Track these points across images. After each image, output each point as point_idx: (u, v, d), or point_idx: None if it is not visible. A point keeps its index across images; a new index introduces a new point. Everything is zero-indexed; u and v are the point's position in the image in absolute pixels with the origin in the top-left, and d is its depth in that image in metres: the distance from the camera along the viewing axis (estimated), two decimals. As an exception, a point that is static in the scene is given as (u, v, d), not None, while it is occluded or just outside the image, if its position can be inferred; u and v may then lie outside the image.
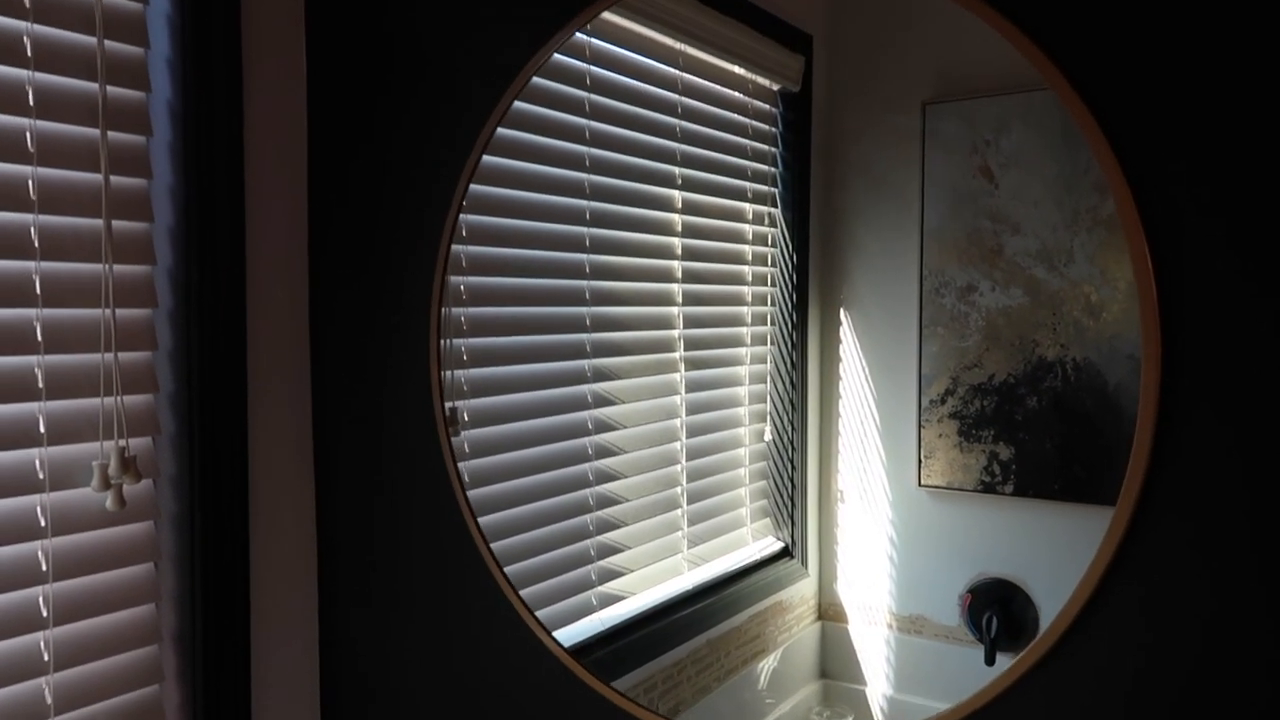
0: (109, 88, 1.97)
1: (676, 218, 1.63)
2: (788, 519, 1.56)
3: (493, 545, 1.87)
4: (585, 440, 1.78)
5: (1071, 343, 1.52)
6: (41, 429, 1.91)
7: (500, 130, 1.81)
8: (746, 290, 1.56)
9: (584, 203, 1.77)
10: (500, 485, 1.87)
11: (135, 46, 2.02)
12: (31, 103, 1.89)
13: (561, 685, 1.87)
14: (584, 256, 1.76)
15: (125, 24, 2.00)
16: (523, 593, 1.86)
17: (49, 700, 1.92)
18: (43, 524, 1.91)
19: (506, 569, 1.86)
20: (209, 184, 2.09)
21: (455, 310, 1.94)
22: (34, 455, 1.92)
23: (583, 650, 1.86)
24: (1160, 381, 1.40)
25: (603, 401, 1.76)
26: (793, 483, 1.55)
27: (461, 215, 1.86)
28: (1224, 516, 1.40)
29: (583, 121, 1.73)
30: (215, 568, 2.11)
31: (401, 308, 2.06)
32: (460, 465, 1.92)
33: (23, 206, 1.89)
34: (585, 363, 1.78)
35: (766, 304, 1.55)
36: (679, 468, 1.66)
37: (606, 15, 1.70)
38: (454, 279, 1.93)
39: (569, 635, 1.89)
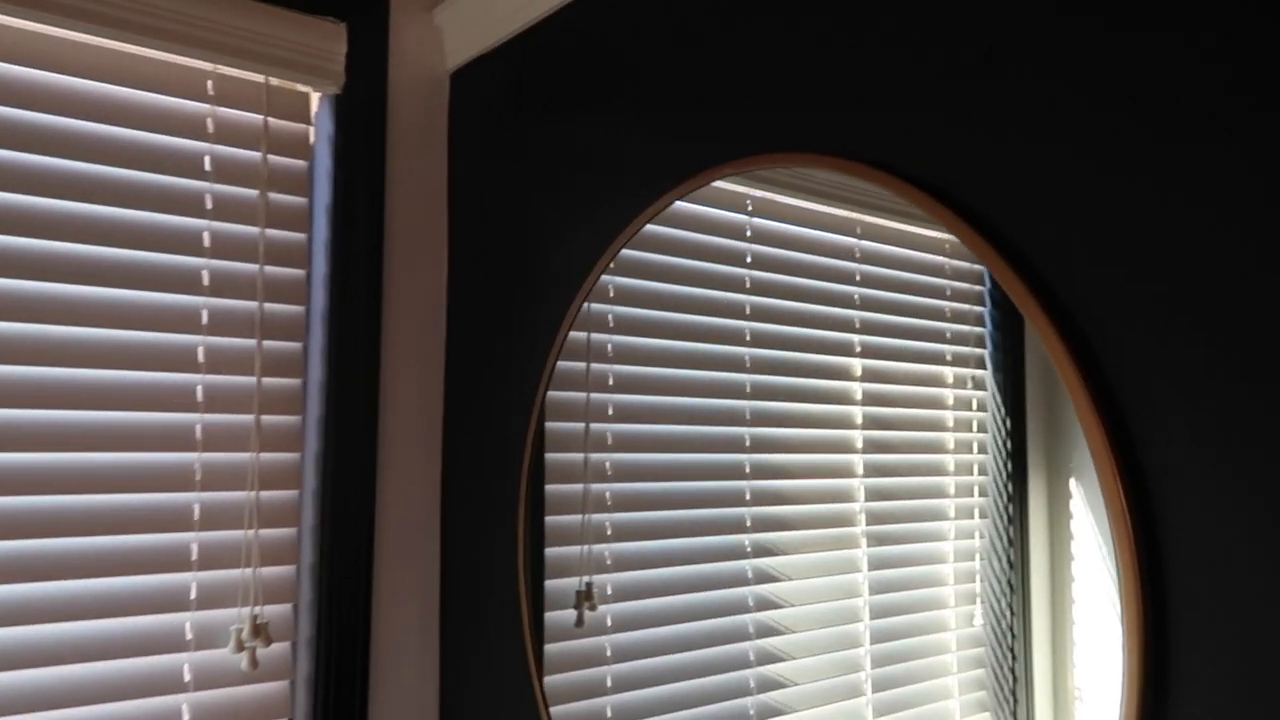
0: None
1: (856, 386, 1.10)
2: (1010, 716, 0.95)
3: None
4: (746, 618, 1.20)
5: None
6: (191, 596, 1.54)
7: (647, 312, 1.29)
8: (949, 459, 1.02)
9: (744, 376, 1.22)
10: (647, 661, 1.29)
11: (297, 269, 1.61)
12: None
13: None
14: (744, 430, 1.22)
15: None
16: None
17: None
18: (186, 679, 1.52)
19: None
20: (351, 351, 1.66)
21: (598, 486, 1.39)
22: (184, 619, 1.52)
23: None
24: None
25: (766, 578, 1.19)
26: (1013, 674, 0.96)
27: (609, 396, 1.34)
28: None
29: (742, 297, 1.23)
30: None
31: (497, 505, 1.54)
32: (604, 639, 1.33)
33: (189, 406, 1.56)
34: (745, 537, 1.21)
35: (974, 473, 0.99)
36: (862, 651, 1.08)
37: (761, 192, 1.20)
38: (598, 456, 1.37)
39: None
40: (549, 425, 1.51)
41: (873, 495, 1.08)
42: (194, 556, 1.53)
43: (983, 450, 0.97)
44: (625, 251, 1.42)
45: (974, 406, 0.99)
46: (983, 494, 0.97)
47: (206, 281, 1.56)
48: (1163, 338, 0.89)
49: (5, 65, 1.44)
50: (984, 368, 0.99)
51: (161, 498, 1.51)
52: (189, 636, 1.51)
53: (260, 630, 1.54)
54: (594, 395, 1.42)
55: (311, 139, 1.67)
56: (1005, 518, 0.95)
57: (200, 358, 1.55)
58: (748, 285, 1.23)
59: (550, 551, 1.47)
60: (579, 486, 1.43)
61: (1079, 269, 0.95)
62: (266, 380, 1.60)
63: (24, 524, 1.41)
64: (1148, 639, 0.88)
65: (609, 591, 1.35)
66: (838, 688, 1.08)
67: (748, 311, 1.23)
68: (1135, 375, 0.91)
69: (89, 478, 1.46)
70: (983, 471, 0.97)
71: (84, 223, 1.48)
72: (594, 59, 1.51)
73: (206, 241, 1.57)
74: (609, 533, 1.37)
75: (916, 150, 1.10)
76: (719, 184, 1.29)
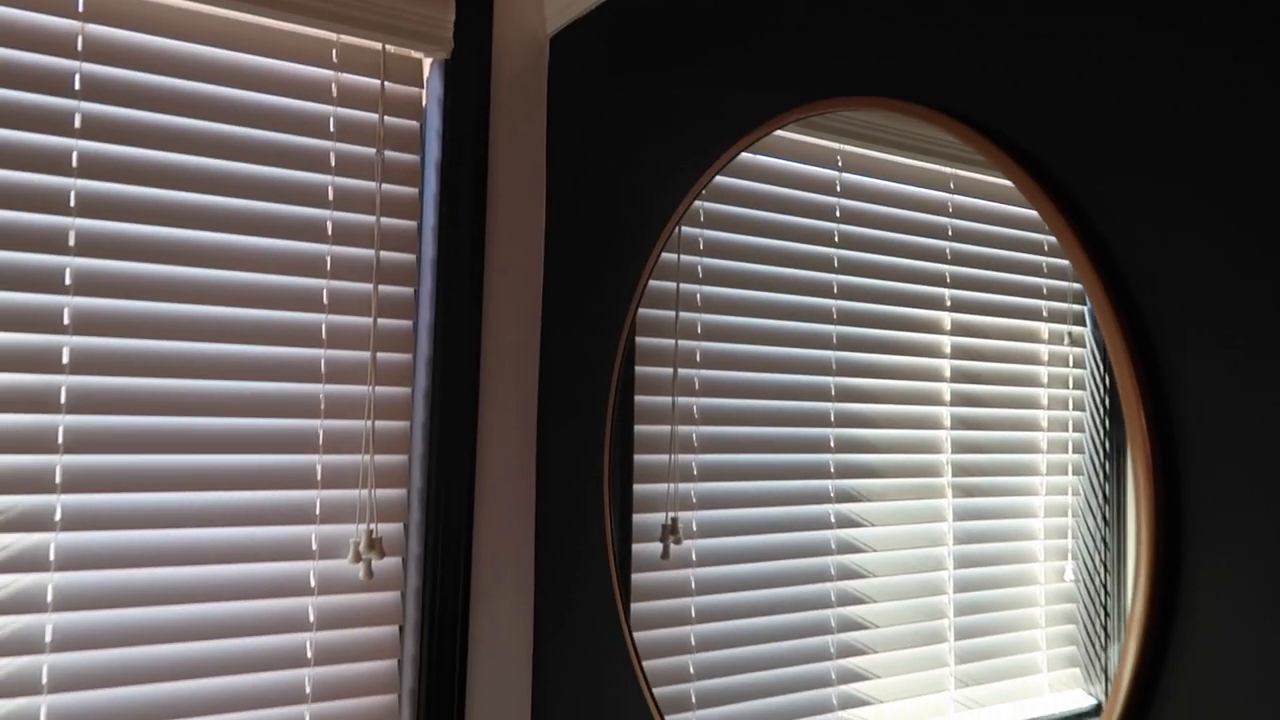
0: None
1: (945, 340, 1.04)
2: (1101, 672, 0.90)
3: (707, 656, 1.25)
4: (828, 560, 1.16)
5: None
6: (316, 512, 1.54)
7: (734, 265, 1.25)
8: (1041, 415, 0.96)
9: (830, 328, 1.17)
10: (729, 595, 1.26)
11: (409, 220, 1.61)
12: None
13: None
14: (829, 379, 1.17)
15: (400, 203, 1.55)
16: (753, 706, 1.21)
17: None
18: (311, 584, 1.53)
19: (728, 678, 1.23)
20: (455, 327, 1.65)
21: (684, 429, 1.35)
22: (308, 533, 1.53)
23: None
24: None
25: (849, 523, 1.14)
26: (1106, 632, 0.90)
27: (697, 343, 1.30)
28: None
29: (830, 250, 1.17)
30: (442, 639, 1.61)
31: (587, 450, 1.51)
32: (689, 572, 1.30)
33: (315, 343, 1.55)
34: (829, 483, 1.17)
35: (1069, 429, 0.94)
36: (945, 599, 1.03)
37: (848, 146, 1.14)
38: (685, 400, 1.34)
39: None
40: (638, 370, 1.48)
41: (960, 448, 1.03)
42: (318, 476, 1.53)
43: (1079, 407, 0.91)
44: (711, 206, 1.37)
45: (1070, 363, 0.93)
46: (1078, 450, 0.91)
47: (330, 231, 1.55)
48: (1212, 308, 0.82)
49: (156, 38, 1.44)
50: (1083, 324, 0.92)
51: (291, 423, 1.52)
52: (314, 547, 1.52)
53: (375, 544, 1.54)
54: (682, 342, 1.39)
55: (423, 101, 1.64)
56: (1102, 474, 0.90)
57: (324, 299, 1.55)
58: (836, 239, 1.18)
59: (638, 488, 1.44)
60: (666, 428, 1.40)
61: (1134, 225, 0.89)
62: (381, 321, 1.59)
63: (186, 442, 1.44)
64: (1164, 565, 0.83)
65: (694, 528, 1.32)
66: (920, 633, 1.04)
67: (836, 265, 1.17)
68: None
69: (235, 404, 1.48)
70: (1078, 428, 0.91)
71: (223, 179, 1.48)
72: (679, 18, 1.46)
73: (330, 195, 1.56)
74: (695, 473, 1.34)
75: (968, 92, 1.03)
76: (808, 138, 1.23)
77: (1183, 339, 0.86)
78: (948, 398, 1.04)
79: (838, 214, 1.17)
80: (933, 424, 1.05)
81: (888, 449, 1.10)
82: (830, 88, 1.24)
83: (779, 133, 1.27)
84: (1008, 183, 1.00)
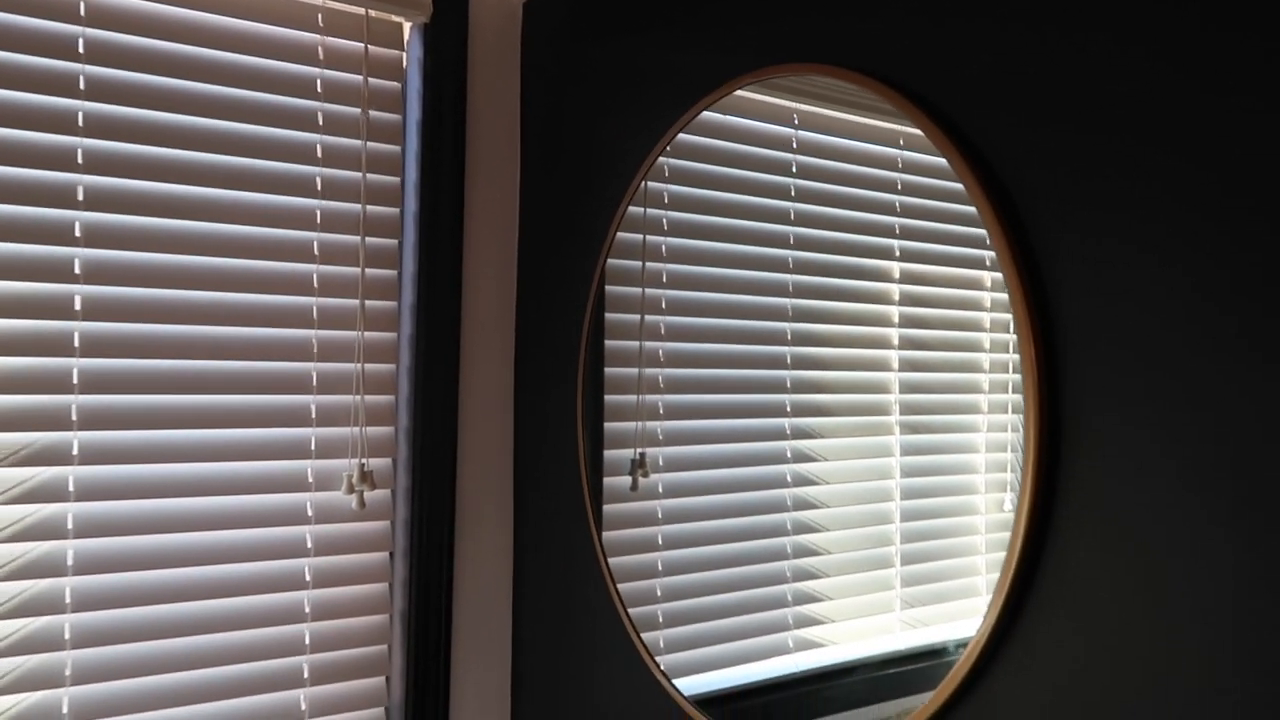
0: (369, 207, 1.48)
1: (894, 288, 1.01)
2: None
3: (673, 580, 1.23)
4: (784, 492, 1.14)
5: None
6: (311, 448, 1.51)
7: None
8: (984, 358, 0.94)
9: (787, 277, 1.13)
10: (693, 525, 1.24)
11: (393, 176, 1.56)
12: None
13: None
14: (785, 325, 1.14)
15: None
16: (715, 626, 1.19)
17: (307, 642, 1.49)
18: (309, 514, 1.50)
19: (692, 600, 1.21)
20: (440, 277, 1.60)
21: (651, 371, 1.33)
22: (305, 467, 1.50)
23: (768, 690, 1.16)
24: None
25: (803, 458, 1.12)
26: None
27: (662, 291, 1.26)
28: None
29: (787, 204, 1.13)
30: (429, 563, 1.59)
31: (564, 381, 1.48)
32: (656, 503, 1.28)
33: (307, 291, 1.51)
34: (785, 421, 1.14)
35: (1009, 371, 0.92)
36: (893, 528, 1.01)
37: (805, 106, 1.10)
38: (652, 344, 1.31)
39: (759, 672, 1.18)
40: (608, 316, 1.44)
41: (907, 389, 1.00)
42: (313, 415, 1.49)
43: (1019, 351, 0.90)
44: (676, 163, 1.32)
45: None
46: (1017, 391, 0.90)
47: (319, 187, 1.50)
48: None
49: (155, 4, 1.38)
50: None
51: (287, 366, 1.48)
52: (310, 479, 1.49)
53: (366, 477, 1.51)
54: (649, 290, 1.35)
55: (404, 63, 1.58)
56: (1038, 414, 0.88)
57: (315, 250, 1.50)
58: (793, 193, 1.14)
59: (609, 426, 1.41)
60: (634, 371, 1.37)
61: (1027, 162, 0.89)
62: (369, 271, 1.54)
63: (193, 384, 1.41)
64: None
65: (660, 463, 1.30)
66: (869, 558, 1.03)
67: (792, 217, 1.14)
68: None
69: (236, 349, 1.44)
70: (1018, 371, 0.89)
71: (215, 137, 1.42)
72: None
73: (319, 152, 1.50)
74: (661, 412, 1.31)
75: (888, 53, 1.02)
76: (767, 98, 1.19)
77: (1057, 249, 0.86)
78: (896, 342, 1.02)
79: (794, 169, 1.14)
80: (882, 366, 1.03)
81: (840, 390, 1.08)
82: (779, 53, 1.19)
83: (739, 92, 1.23)
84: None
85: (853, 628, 1.03)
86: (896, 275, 1.01)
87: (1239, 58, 0.81)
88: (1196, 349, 0.84)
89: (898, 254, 1.00)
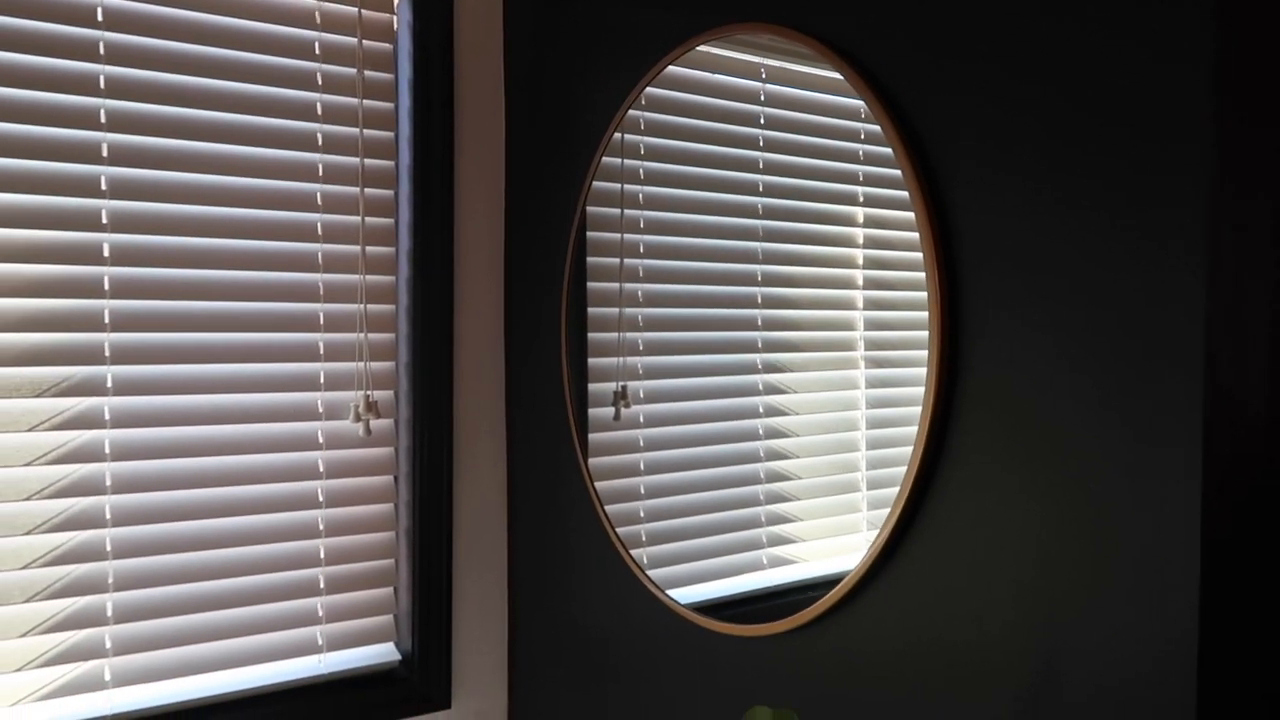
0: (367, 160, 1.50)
1: (858, 231, 1.03)
2: None
3: (655, 502, 1.26)
4: (757, 422, 1.16)
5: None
6: (321, 381, 1.55)
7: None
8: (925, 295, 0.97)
9: (756, 222, 1.14)
10: (672, 451, 1.26)
11: (387, 131, 1.58)
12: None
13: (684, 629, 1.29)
14: (756, 266, 1.15)
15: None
16: (695, 544, 1.22)
17: (321, 556, 1.54)
18: (320, 441, 1.55)
19: (672, 521, 1.23)
20: (435, 224, 1.62)
21: (631, 310, 1.34)
22: (315, 398, 1.55)
23: (745, 602, 1.20)
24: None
25: (774, 390, 1.14)
26: None
27: (640, 236, 1.27)
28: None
29: (756, 153, 1.14)
30: (430, 486, 1.63)
31: (542, 322, 1.51)
32: (638, 432, 1.30)
33: (312, 239, 1.53)
34: (757, 356, 1.16)
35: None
36: (859, 455, 1.04)
37: (771, 61, 1.10)
38: (631, 285, 1.33)
39: (736, 585, 1.24)
40: (590, 260, 1.46)
41: (871, 325, 1.03)
42: (321, 351, 1.55)
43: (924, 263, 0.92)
44: (650, 116, 1.32)
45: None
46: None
47: (320, 141, 1.53)
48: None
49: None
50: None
51: (297, 306, 1.53)
52: (320, 410, 1.55)
53: (372, 407, 1.57)
54: (627, 236, 1.36)
55: (395, 26, 1.58)
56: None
57: (319, 201, 1.54)
58: (761, 144, 1.15)
59: (592, 361, 1.45)
60: (615, 310, 1.39)
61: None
62: (369, 220, 1.56)
63: (215, 322, 1.45)
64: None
65: (641, 395, 1.33)
66: (836, 483, 1.06)
67: (760, 166, 1.15)
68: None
69: (250, 290, 1.48)
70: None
71: (225, 97, 1.45)
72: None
73: (319, 110, 1.53)
74: (640, 348, 1.33)
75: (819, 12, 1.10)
76: (734, 53, 1.18)
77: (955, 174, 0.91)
78: (860, 282, 1.04)
79: (762, 121, 1.15)
80: (847, 305, 1.05)
81: (809, 327, 1.10)
82: (731, 12, 1.19)
83: (705, 49, 1.22)
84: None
85: (822, 546, 1.07)
86: (861, 220, 1.03)
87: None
88: (1066, 249, 0.95)
89: (861, 199, 1.02)
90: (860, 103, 1.01)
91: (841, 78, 0.97)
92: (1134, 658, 0.85)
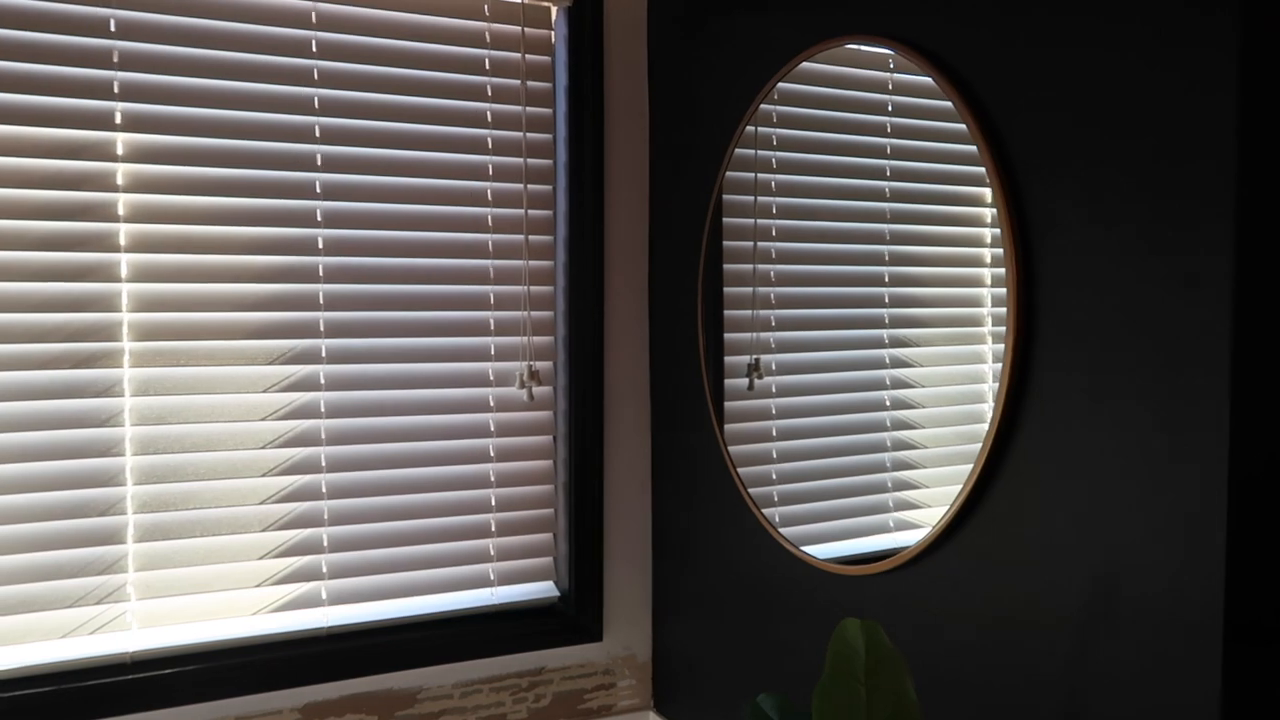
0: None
1: (987, 211, 0.91)
2: None
3: (786, 466, 1.17)
4: (883, 394, 1.06)
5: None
6: (491, 352, 1.58)
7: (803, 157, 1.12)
8: None
9: (884, 205, 1.04)
10: (802, 420, 1.17)
11: (546, 134, 1.59)
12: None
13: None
14: (883, 247, 1.05)
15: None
16: (824, 505, 1.13)
17: (492, 504, 1.55)
18: (491, 404, 1.59)
19: (803, 484, 1.14)
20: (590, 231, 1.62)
21: (764, 289, 1.26)
22: (487, 367, 1.57)
23: (868, 560, 1.12)
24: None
25: (900, 363, 1.03)
26: None
27: (773, 221, 1.18)
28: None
29: (884, 140, 1.03)
30: (584, 445, 1.64)
31: (681, 313, 1.44)
32: (770, 401, 1.21)
33: (484, 229, 1.54)
34: (884, 332, 1.06)
35: None
36: (983, 427, 0.93)
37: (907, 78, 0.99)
38: (764, 266, 1.24)
39: (862, 546, 1.16)
40: (725, 244, 1.39)
41: (998, 303, 0.90)
42: (491, 327, 1.62)
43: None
44: (783, 109, 1.21)
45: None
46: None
47: (490, 145, 1.60)
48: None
49: (343, 6, 1.47)
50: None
51: (470, 289, 1.59)
52: (491, 377, 1.61)
53: (534, 375, 1.62)
54: (760, 221, 1.27)
55: (553, 40, 1.59)
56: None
57: (489, 196, 1.61)
58: (889, 130, 1.03)
59: (728, 336, 1.39)
60: (749, 289, 1.31)
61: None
62: (532, 212, 1.60)
63: (403, 303, 1.51)
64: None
65: (773, 367, 1.25)
66: (959, 453, 0.94)
67: (889, 151, 1.03)
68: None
69: (434, 275, 1.52)
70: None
71: (411, 109, 1.51)
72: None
73: (489, 117, 1.59)
74: (773, 324, 1.25)
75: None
76: (863, 46, 1.06)
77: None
78: (989, 260, 0.91)
79: (890, 109, 1.02)
80: (975, 283, 0.93)
81: (935, 304, 0.98)
82: (841, 27, 1.07)
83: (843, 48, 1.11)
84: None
85: (943, 513, 0.96)
86: (988, 199, 0.90)
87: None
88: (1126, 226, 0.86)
89: (988, 183, 0.89)
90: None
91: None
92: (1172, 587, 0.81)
